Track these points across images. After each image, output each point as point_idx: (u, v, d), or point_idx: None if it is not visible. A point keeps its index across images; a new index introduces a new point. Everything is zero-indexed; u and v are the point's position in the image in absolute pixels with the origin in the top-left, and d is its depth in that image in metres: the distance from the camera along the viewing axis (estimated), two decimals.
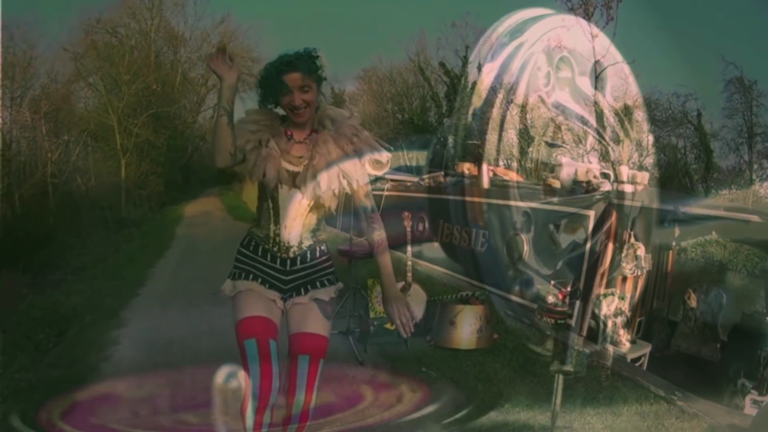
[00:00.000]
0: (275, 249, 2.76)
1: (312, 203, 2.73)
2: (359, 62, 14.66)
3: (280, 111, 2.74)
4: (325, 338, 2.77)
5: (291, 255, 2.77)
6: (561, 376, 3.48)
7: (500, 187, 7.78)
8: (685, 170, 11.11)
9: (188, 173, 18.11)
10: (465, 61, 11.26)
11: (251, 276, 2.77)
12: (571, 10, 8.78)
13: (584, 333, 5.61)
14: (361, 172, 2.72)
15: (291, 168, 2.69)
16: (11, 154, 12.86)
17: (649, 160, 9.34)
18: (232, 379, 3.28)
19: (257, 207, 2.83)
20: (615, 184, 6.74)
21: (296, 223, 2.74)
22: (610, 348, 5.44)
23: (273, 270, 2.78)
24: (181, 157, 17.24)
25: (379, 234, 2.74)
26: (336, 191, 2.70)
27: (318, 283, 2.81)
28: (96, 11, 14.50)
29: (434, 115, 13.90)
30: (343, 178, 2.68)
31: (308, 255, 2.80)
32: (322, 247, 2.85)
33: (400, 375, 4.69)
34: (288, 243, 2.76)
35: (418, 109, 14.32)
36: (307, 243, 2.79)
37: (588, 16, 8.64)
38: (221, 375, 3.36)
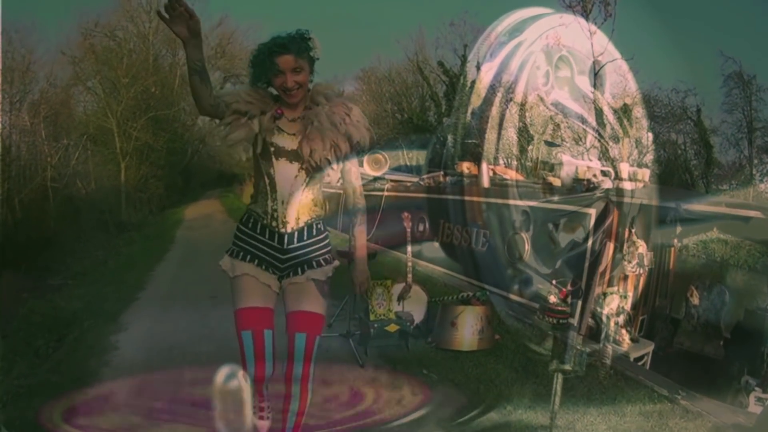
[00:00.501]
0: (273, 224, 2.80)
1: (308, 179, 2.79)
2: (358, 62, 14.67)
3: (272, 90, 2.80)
4: (321, 316, 2.87)
5: (288, 230, 2.80)
6: (560, 376, 3.48)
7: (500, 187, 7.75)
8: (685, 166, 11.06)
9: (188, 176, 18.15)
10: (464, 60, 11.24)
11: (249, 256, 2.83)
12: (569, 8, 8.76)
13: (584, 332, 5.59)
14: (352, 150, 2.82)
15: (285, 145, 2.76)
16: (11, 158, 12.84)
17: (650, 157, 9.30)
18: (233, 383, 3.30)
19: (254, 184, 2.91)
20: (616, 182, 6.71)
21: (293, 199, 2.79)
22: (610, 347, 5.41)
23: (270, 248, 2.83)
24: (180, 159, 17.26)
25: (360, 233, 2.94)
26: (331, 161, 2.76)
27: (314, 263, 2.86)
28: (94, 15, 14.53)
29: (433, 114, 13.87)
30: (337, 151, 2.75)
31: (305, 232, 2.84)
32: (319, 225, 2.90)
33: (401, 377, 4.66)
34: (285, 219, 2.80)
35: (418, 109, 14.30)
36: (304, 219, 2.83)
37: (586, 14, 8.62)
38: (221, 379, 3.36)
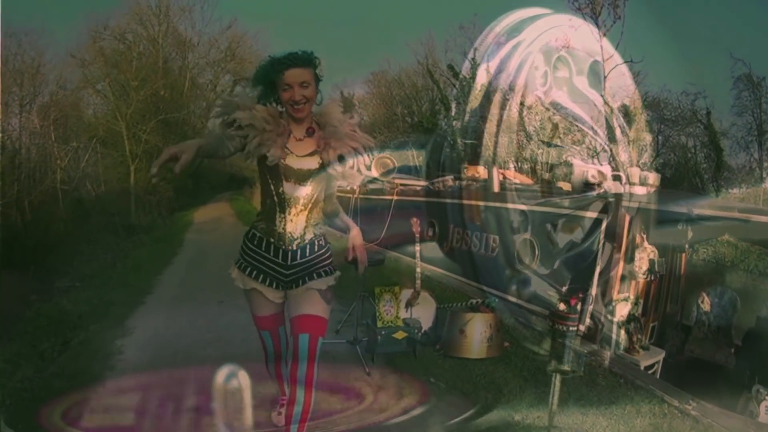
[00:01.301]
0: (280, 242, 2.94)
1: (315, 198, 2.93)
2: (368, 66, 14.61)
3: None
4: (324, 319, 3.02)
5: (294, 247, 2.95)
6: (559, 376, 3.49)
7: (510, 191, 7.70)
8: (695, 170, 10.98)
9: (198, 179, 18.14)
10: (473, 63, 11.19)
11: (255, 272, 3.01)
12: (579, 11, 8.72)
13: (582, 332, 5.54)
14: (360, 168, 2.98)
15: (295, 165, 2.87)
16: (21, 160, 12.90)
17: (660, 161, 9.24)
18: (236, 387, 3.36)
19: (261, 202, 3.02)
20: (627, 186, 6.66)
21: (299, 218, 2.93)
22: (608, 351, 5.37)
23: (275, 264, 2.98)
24: (190, 162, 17.23)
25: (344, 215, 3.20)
26: (349, 163, 2.91)
27: (315, 275, 2.99)
28: (103, 18, 14.54)
29: (443, 118, 13.82)
30: (347, 173, 2.92)
31: (308, 248, 2.98)
32: (321, 241, 3.04)
33: (408, 385, 4.62)
34: (291, 236, 2.94)
35: (428, 113, 14.25)
36: (309, 236, 2.98)
37: (595, 16, 8.57)
38: (226, 381, 3.43)
